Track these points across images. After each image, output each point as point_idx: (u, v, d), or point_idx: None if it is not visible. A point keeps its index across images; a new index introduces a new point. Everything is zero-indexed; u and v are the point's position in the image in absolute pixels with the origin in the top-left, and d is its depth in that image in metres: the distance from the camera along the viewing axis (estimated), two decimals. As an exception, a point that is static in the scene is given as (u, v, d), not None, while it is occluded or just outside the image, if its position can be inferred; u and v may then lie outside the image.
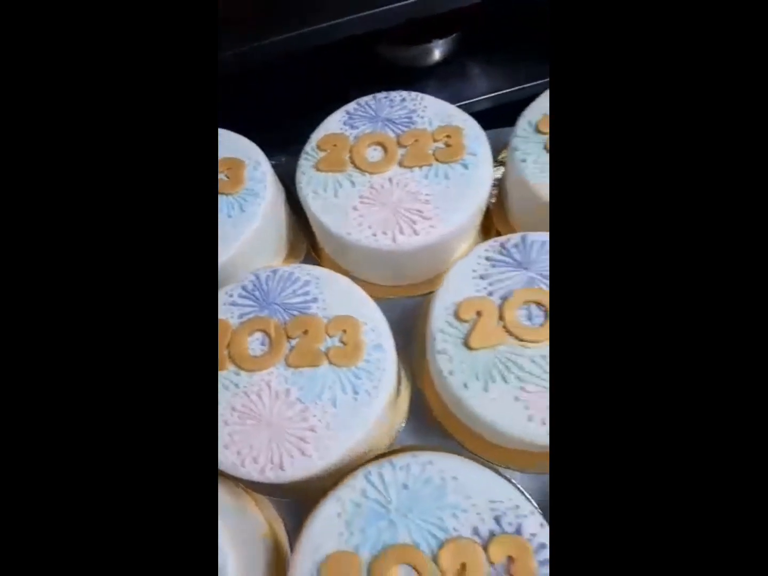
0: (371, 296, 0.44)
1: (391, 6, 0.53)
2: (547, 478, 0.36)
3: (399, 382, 0.41)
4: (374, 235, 0.38)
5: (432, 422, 0.39)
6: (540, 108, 0.42)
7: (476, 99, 0.75)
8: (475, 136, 0.41)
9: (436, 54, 0.78)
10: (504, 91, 0.74)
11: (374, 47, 0.76)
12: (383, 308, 0.43)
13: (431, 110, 0.43)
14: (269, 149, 0.52)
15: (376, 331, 0.35)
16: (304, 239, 0.49)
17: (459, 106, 0.71)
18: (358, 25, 0.54)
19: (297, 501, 0.37)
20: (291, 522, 0.37)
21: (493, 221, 0.48)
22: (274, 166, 0.54)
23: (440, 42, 0.75)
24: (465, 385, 0.32)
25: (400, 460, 0.30)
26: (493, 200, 0.49)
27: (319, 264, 0.48)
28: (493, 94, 0.75)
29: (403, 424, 0.40)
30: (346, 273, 0.45)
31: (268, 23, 0.54)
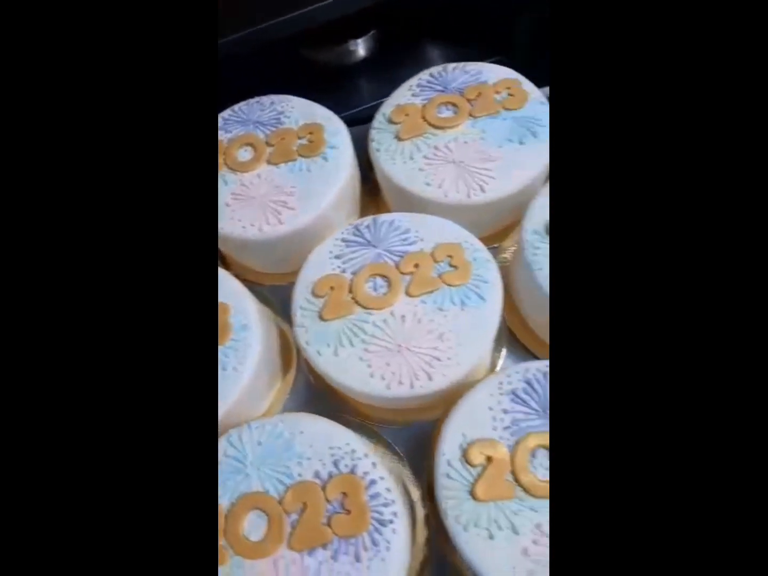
0: (261, 283, 0.48)
1: (305, 10, 0.57)
2: (410, 430, 0.41)
3: (288, 358, 0.45)
4: (243, 227, 0.42)
5: (312, 390, 0.44)
6: (393, 101, 0.47)
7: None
8: (335, 131, 0.45)
9: (361, 51, 0.81)
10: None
11: (297, 50, 0.80)
12: (277, 293, 0.48)
13: (298, 110, 0.47)
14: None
15: (243, 314, 0.39)
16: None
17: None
18: (278, 30, 0.58)
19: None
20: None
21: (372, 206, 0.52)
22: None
23: (359, 41, 0.79)
24: (318, 352, 0.37)
25: (257, 422, 0.34)
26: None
27: (222, 257, 0.52)
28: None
29: (288, 395, 0.44)
30: (242, 264, 0.49)
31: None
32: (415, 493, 0.39)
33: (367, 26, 0.77)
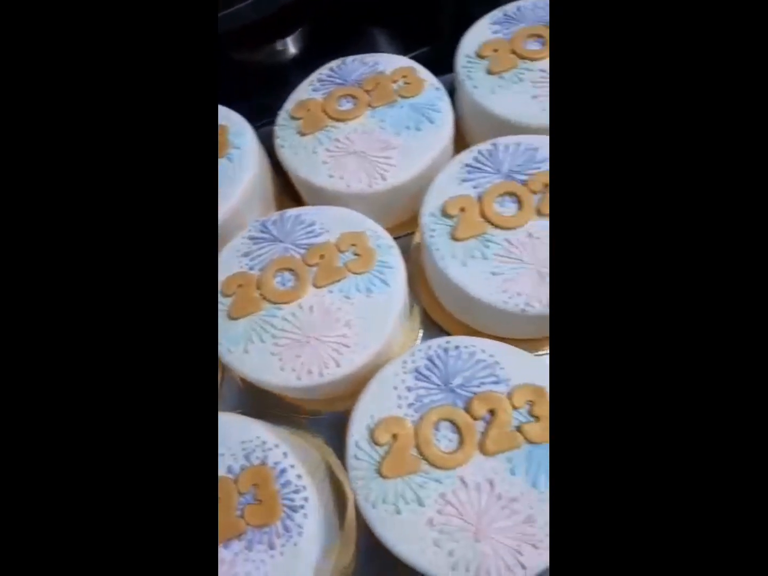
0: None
1: (228, 10, 0.56)
2: (336, 417, 0.42)
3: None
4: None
5: (240, 390, 0.44)
6: (295, 97, 0.47)
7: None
8: (239, 132, 0.46)
9: (291, 50, 0.81)
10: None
11: (227, 53, 0.79)
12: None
13: (201, 113, 0.47)
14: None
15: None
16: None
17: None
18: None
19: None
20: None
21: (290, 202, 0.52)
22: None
23: (288, 40, 0.79)
24: (229, 350, 0.37)
25: (170, 424, 0.35)
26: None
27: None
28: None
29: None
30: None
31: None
32: (344, 478, 0.40)
33: (294, 24, 0.78)
